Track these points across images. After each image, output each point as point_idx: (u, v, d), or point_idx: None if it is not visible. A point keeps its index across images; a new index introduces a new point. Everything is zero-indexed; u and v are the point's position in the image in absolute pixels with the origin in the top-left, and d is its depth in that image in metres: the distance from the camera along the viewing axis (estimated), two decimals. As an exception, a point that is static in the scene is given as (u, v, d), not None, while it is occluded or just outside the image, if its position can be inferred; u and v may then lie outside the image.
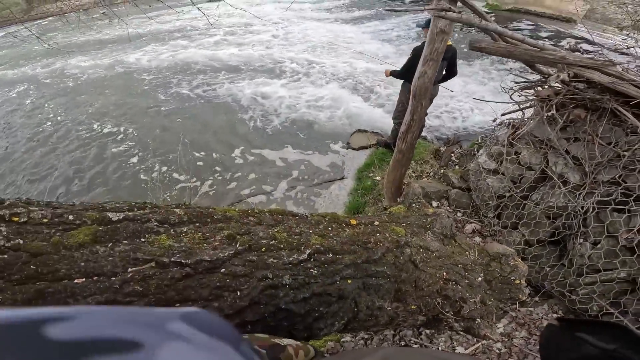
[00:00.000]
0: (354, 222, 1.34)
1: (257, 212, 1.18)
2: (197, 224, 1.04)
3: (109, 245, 0.92)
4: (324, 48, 10.02)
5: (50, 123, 6.42)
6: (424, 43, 3.92)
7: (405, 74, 4.13)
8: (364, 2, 17.55)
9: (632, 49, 3.19)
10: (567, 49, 2.53)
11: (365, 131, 5.22)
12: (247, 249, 1.05)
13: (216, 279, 1.00)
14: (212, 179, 4.52)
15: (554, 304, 2.53)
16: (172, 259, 0.95)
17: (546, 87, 2.57)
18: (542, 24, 11.08)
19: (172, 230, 1.00)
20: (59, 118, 6.59)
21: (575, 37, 9.69)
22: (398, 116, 4.36)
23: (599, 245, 2.22)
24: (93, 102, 7.18)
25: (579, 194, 2.31)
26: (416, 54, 3.93)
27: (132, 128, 5.90)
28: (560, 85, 2.33)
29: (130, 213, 1.00)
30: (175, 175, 4.63)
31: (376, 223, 1.38)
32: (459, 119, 5.83)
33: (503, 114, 2.96)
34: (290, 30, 12.35)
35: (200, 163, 4.81)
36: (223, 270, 1.02)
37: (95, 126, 6.11)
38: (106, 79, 8.56)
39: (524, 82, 2.84)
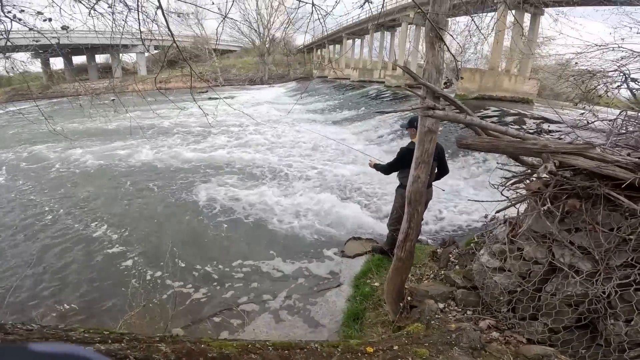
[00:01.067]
0: (370, 349, 1.17)
1: (259, 348, 1.01)
2: (186, 363, 0.87)
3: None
4: (312, 150, 10.61)
5: (34, 213, 6.42)
6: (410, 143, 4.18)
7: (389, 170, 4.32)
8: (349, 103, 19.35)
9: (593, 124, 3.39)
10: (538, 132, 2.66)
11: (359, 238, 5.21)
12: (245, 392, 0.87)
13: None
14: (207, 287, 4.28)
15: (599, 383, 2.30)
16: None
17: (533, 179, 2.64)
18: (505, 108, 12.11)
19: (154, 373, 0.83)
20: (45, 209, 6.62)
21: (535, 118, 10.51)
22: (393, 223, 4.36)
23: (632, 322, 2.11)
24: (81, 194, 7.30)
25: (596, 281, 2.24)
26: (402, 155, 4.14)
27: (119, 227, 5.79)
28: (548, 176, 2.38)
29: (102, 346, 0.84)
30: (165, 281, 4.39)
31: (395, 347, 1.22)
32: (450, 218, 5.93)
33: (497, 212, 2.96)
34: (279, 132, 13.31)
35: (195, 273, 4.57)
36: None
37: (81, 221, 6.04)
38: (99, 172, 8.95)
39: (512, 176, 2.92)
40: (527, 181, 2.69)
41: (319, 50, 48.64)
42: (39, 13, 3.62)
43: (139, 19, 3.22)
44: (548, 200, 2.30)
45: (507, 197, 2.88)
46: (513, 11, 13.68)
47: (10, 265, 4.79)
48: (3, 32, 4.02)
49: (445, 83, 2.81)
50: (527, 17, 16.03)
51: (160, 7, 3.58)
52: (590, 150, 2.15)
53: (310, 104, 23.10)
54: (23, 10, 3.95)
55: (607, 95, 4.74)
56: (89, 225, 5.89)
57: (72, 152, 10.69)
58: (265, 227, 5.77)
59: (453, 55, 2.92)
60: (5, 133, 14.68)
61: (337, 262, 4.76)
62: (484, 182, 6.93)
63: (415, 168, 2.73)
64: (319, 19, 3.59)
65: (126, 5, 4.08)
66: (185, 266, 4.68)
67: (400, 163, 4.17)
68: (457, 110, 2.69)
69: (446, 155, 4.35)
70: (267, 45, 46.90)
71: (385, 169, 4.33)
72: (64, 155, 10.52)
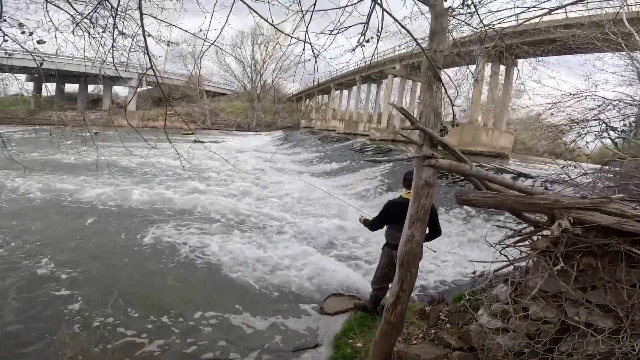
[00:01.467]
0: None
1: None
2: None
3: None
4: (294, 203, 10.13)
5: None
6: (400, 198, 3.85)
7: (372, 225, 4.04)
8: (335, 156, 19.42)
9: (579, 177, 3.26)
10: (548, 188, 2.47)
11: (340, 295, 4.78)
12: None
13: None
14: (163, 339, 3.70)
15: None
16: None
17: (539, 237, 2.41)
18: (484, 163, 12.02)
19: None
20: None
21: (512, 173, 10.43)
22: (377, 282, 4.06)
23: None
24: (34, 228, 6.68)
25: (622, 338, 2.02)
26: (386, 209, 3.89)
27: (69, 267, 5.16)
28: (557, 234, 2.15)
29: None
30: (115, 329, 3.78)
31: None
32: (437, 273, 5.60)
33: (496, 271, 2.70)
34: (262, 182, 12.72)
35: (149, 324, 3.95)
36: None
37: (29, 256, 5.44)
38: (56, 206, 8.32)
39: (514, 234, 2.69)
40: (532, 239, 2.46)
41: (307, 100, 50.20)
42: (21, 25, 3.37)
43: (113, 37, 3.01)
44: (560, 259, 2.06)
45: (507, 256, 2.64)
46: (490, 64, 14.28)
47: None
48: None
49: (441, 130, 2.65)
50: (501, 69, 16.75)
51: (142, 27, 3.41)
52: (608, 205, 1.96)
53: (296, 154, 23.13)
54: (5, 20, 3.68)
55: (587, 147, 4.67)
56: (36, 262, 5.26)
57: (31, 182, 9.96)
58: (233, 278, 5.21)
59: (450, 98, 2.78)
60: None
61: (315, 319, 4.28)
62: (474, 238, 6.71)
63: (410, 226, 2.46)
64: (314, 56, 3.50)
65: (115, 27, 3.91)
66: (139, 315, 4.08)
67: (384, 218, 3.92)
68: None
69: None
70: (257, 91, 48.12)
71: (371, 224, 4.07)
72: (22, 185, 9.80)
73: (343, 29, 3.45)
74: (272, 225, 7.77)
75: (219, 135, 36.12)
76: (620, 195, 2.16)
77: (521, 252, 2.51)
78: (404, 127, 2.74)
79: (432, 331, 3.48)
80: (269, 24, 3.30)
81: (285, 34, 3.40)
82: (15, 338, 3.56)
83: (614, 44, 4.98)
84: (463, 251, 6.29)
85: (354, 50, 3.65)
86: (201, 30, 3.28)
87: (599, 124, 4.37)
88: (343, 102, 40.46)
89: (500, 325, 2.53)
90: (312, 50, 3.54)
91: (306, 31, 3.46)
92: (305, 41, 3.51)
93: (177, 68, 42.81)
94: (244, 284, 5.07)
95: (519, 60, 15.46)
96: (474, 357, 2.75)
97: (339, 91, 38.98)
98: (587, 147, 4.78)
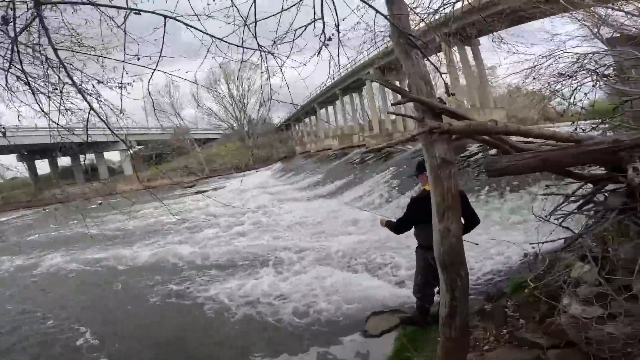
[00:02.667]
0: None
1: None
2: None
3: None
4: (303, 229, 9.83)
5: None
6: (422, 191, 3.41)
7: (398, 227, 3.63)
8: (336, 174, 19.05)
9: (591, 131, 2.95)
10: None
11: (381, 312, 4.34)
12: None
13: None
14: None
15: None
16: None
17: (605, 195, 1.98)
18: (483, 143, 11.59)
19: None
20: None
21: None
22: (419, 290, 3.67)
23: None
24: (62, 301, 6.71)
25: None
26: (411, 205, 3.49)
27: (101, 335, 4.93)
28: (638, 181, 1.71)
29: None
30: None
31: None
32: (471, 265, 5.08)
33: (564, 248, 2.25)
34: (270, 216, 12.34)
35: None
36: None
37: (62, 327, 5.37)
38: (76, 277, 8.32)
39: (565, 200, 2.26)
40: (595, 200, 2.02)
41: (296, 125, 50.29)
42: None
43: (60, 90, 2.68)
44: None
45: (568, 227, 2.20)
46: (454, 48, 14.59)
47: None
48: None
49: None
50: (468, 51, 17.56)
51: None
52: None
53: (297, 182, 22.82)
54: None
55: (588, 98, 4.41)
56: (74, 333, 5.11)
57: (41, 261, 10.07)
58: (261, 320, 4.78)
59: (435, 67, 2.39)
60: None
61: (361, 343, 3.87)
62: (498, 219, 6.28)
63: (440, 220, 2.03)
64: (278, 66, 3.15)
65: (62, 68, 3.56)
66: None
67: (411, 216, 3.50)
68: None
69: None
70: (245, 128, 48.28)
71: (395, 227, 3.66)
72: (30, 264, 9.99)
73: (300, 29, 3.05)
74: (289, 255, 7.30)
75: (220, 181, 35.97)
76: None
77: (590, 217, 2.06)
78: (394, 102, 2.38)
79: (504, 331, 3.03)
80: (210, 36, 2.86)
81: (234, 44, 2.90)
82: None
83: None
84: (494, 236, 5.77)
85: (319, 52, 3.27)
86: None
87: (589, 74, 4.27)
88: (332, 119, 40.44)
89: (601, 312, 2.06)
90: (275, 59, 3.11)
91: (255, 35, 3.00)
92: (260, 49, 3.03)
93: (157, 121, 42.70)
94: (273, 324, 4.63)
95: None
96: (580, 353, 2.23)
97: (324, 109, 38.94)
98: (582, 102, 4.54)
